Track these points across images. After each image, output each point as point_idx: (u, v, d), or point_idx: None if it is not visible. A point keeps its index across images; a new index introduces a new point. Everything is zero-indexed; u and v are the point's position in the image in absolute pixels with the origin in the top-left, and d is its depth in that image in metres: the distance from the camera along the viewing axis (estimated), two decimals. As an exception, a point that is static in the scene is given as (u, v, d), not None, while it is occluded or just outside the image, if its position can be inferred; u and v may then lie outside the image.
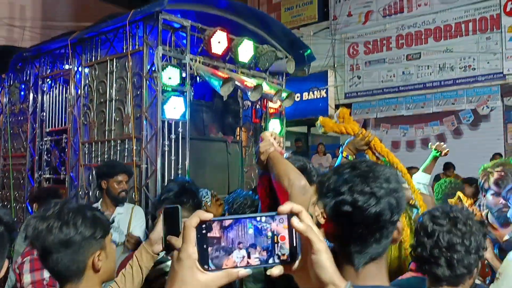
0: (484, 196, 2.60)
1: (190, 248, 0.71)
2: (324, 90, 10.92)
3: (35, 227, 1.41)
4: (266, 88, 5.31)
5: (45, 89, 5.82)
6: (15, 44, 8.62)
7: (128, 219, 3.52)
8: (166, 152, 4.48)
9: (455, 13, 9.41)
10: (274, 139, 1.72)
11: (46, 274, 2.42)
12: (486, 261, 2.16)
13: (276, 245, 0.72)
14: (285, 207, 0.73)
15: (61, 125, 5.55)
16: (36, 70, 5.92)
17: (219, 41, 4.80)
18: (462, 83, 9.28)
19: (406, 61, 10.05)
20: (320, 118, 2.35)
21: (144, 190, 4.41)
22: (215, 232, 0.71)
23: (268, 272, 0.72)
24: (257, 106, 6.11)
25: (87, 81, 5.15)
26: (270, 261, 0.72)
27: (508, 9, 8.81)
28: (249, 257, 0.71)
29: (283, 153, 1.71)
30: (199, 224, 0.71)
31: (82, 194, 4.97)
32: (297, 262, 0.73)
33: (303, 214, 0.73)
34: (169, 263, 1.92)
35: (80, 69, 5.24)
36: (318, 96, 10.99)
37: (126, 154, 4.60)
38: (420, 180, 3.30)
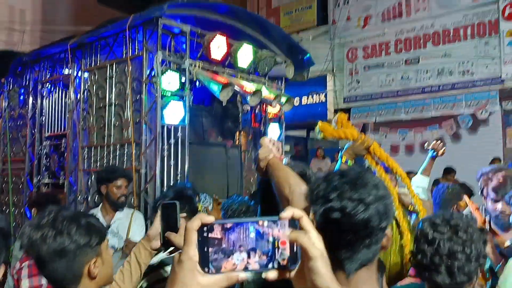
0: (485, 199, 2.60)
1: (191, 250, 0.71)
2: (323, 95, 10.94)
3: (29, 236, 1.40)
4: (266, 92, 5.32)
5: (44, 93, 5.82)
6: (15, 48, 8.62)
7: (128, 224, 3.51)
8: (166, 157, 4.48)
9: (454, 18, 9.44)
10: (273, 145, 1.72)
11: (44, 280, 2.41)
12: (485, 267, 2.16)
13: (276, 250, 0.72)
14: (286, 213, 0.73)
15: (60, 130, 5.55)
16: (35, 75, 5.92)
17: (218, 46, 4.81)
18: (461, 88, 9.29)
19: (405, 65, 10.07)
20: (319, 123, 2.35)
21: (143, 195, 4.41)
22: (217, 234, 0.71)
23: (263, 276, 0.72)
24: (256, 111, 6.12)
25: (86, 86, 5.15)
26: (270, 265, 0.72)
27: (506, 14, 8.84)
28: (249, 261, 0.71)
29: (282, 159, 1.71)
30: (200, 227, 0.71)
31: (81, 199, 4.96)
32: (296, 268, 0.73)
33: (304, 219, 0.74)
34: (168, 268, 1.92)
35: (79, 73, 5.24)
36: (317, 101, 11.01)
37: (125, 159, 4.60)
38: (419, 184, 3.29)
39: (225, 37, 4.85)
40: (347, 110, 10.50)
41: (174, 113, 4.45)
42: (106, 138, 4.84)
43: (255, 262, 0.71)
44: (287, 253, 0.72)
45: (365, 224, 1.03)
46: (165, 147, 4.47)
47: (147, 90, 4.49)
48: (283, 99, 5.61)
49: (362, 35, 10.73)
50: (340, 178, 1.08)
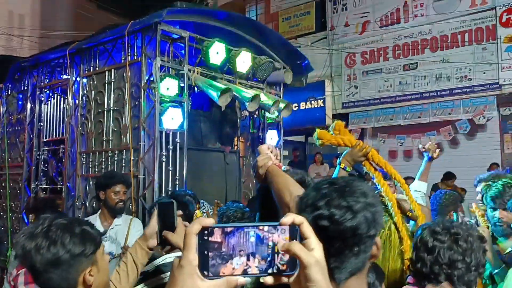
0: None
1: (190, 255, 0.71)
2: (322, 100, 10.97)
3: (23, 246, 1.39)
4: (264, 98, 5.33)
5: (43, 99, 5.82)
6: (14, 53, 8.63)
7: (126, 230, 3.50)
8: (164, 163, 4.47)
9: (451, 23, 9.49)
10: (271, 152, 1.72)
11: None
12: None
13: (276, 255, 0.72)
14: (287, 218, 0.74)
15: (59, 135, 5.54)
16: (34, 80, 5.92)
17: (217, 52, 4.82)
18: (459, 93, 9.33)
19: (403, 71, 10.11)
20: (317, 130, 2.36)
21: (141, 201, 4.40)
22: (217, 238, 0.71)
23: (261, 280, 0.73)
24: (255, 116, 6.12)
25: (85, 91, 5.15)
26: (270, 271, 0.72)
27: (503, 20, 8.90)
28: (249, 265, 0.71)
29: (281, 166, 1.71)
30: (201, 230, 0.71)
31: (79, 205, 4.94)
32: (295, 274, 0.73)
33: (304, 225, 0.74)
34: (167, 275, 1.91)
35: (78, 79, 5.24)
36: (316, 106, 11.03)
37: (123, 165, 4.59)
38: (417, 189, 3.30)
39: (223, 43, 4.86)
40: (345, 116, 10.54)
41: (173, 119, 4.45)
42: (104, 143, 4.84)
43: (254, 267, 0.72)
44: (286, 258, 0.73)
45: (353, 232, 1.03)
46: (164, 152, 4.46)
47: (145, 96, 4.50)
48: (282, 105, 5.62)
49: (360, 40, 10.78)
50: (329, 186, 1.09)
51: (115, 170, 4.59)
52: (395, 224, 2.23)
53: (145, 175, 4.46)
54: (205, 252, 0.71)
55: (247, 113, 6.01)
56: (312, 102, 11.05)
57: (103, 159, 4.81)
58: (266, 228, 0.73)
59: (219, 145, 5.84)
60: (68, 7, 11.51)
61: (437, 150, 3.31)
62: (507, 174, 2.74)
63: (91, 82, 5.08)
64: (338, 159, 2.41)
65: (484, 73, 9.05)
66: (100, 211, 3.63)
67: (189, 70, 4.76)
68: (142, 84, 4.49)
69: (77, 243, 1.40)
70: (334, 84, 11.07)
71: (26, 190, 5.77)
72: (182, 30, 4.73)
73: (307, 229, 0.74)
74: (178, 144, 4.58)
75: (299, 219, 0.74)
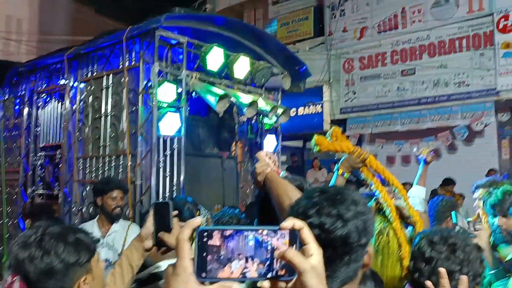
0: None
1: (185, 262, 0.70)
2: (320, 105, 10.98)
3: (16, 256, 1.37)
4: (262, 104, 5.32)
5: (40, 104, 5.80)
6: (12, 58, 8.63)
7: (124, 237, 3.48)
8: (161, 168, 4.45)
9: (449, 29, 9.53)
10: (270, 158, 1.71)
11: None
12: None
13: (275, 259, 0.72)
14: (287, 223, 0.73)
15: (56, 141, 5.52)
16: (31, 85, 5.91)
17: (215, 58, 4.82)
18: (457, 99, 9.35)
19: (401, 76, 10.13)
20: (315, 137, 2.35)
21: (139, 207, 4.37)
22: (216, 241, 0.71)
23: (259, 284, 0.72)
24: (253, 122, 6.12)
25: (82, 97, 5.14)
26: (269, 275, 0.71)
27: (501, 26, 8.94)
28: (247, 269, 0.71)
29: (280, 173, 1.71)
30: (201, 232, 0.70)
31: (76, 210, 4.92)
32: (294, 279, 0.73)
33: (304, 230, 0.74)
34: (161, 283, 1.89)
35: (75, 84, 5.23)
36: (314, 111, 11.04)
37: (120, 170, 4.57)
38: (415, 194, 3.30)
39: (222, 49, 4.86)
40: (343, 121, 10.55)
41: (170, 124, 4.44)
42: (101, 149, 4.82)
43: (253, 271, 0.71)
44: (285, 263, 0.72)
45: (344, 240, 1.02)
46: (161, 158, 4.45)
47: (143, 101, 4.48)
48: (280, 111, 5.61)
49: (358, 46, 10.81)
50: (320, 195, 1.08)
51: (112, 175, 4.57)
52: (393, 229, 2.22)
53: (142, 181, 4.44)
54: (204, 255, 0.70)
55: (245, 119, 6.00)
56: (310, 107, 11.06)
57: (100, 165, 4.79)
58: (265, 232, 0.72)
59: (217, 151, 5.83)
60: (66, 12, 11.52)
61: (431, 153, 3.33)
62: (504, 180, 2.74)
63: (88, 87, 5.07)
64: (336, 165, 2.40)
65: (481, 79, 9.08)
66: (98, 216, 3.61)
67: (187, 76, 4.75)
68: (140, 89, 4.48)
69: (71, 252, 1.38)
70: (332, 90, 11.09)
71: (23, 195, 5.74)
72: (180, 36, 4.73)
73: (307, 235, 0.74)
74: (175, 149, 4.57)
75: (299, 224, 0.73)
